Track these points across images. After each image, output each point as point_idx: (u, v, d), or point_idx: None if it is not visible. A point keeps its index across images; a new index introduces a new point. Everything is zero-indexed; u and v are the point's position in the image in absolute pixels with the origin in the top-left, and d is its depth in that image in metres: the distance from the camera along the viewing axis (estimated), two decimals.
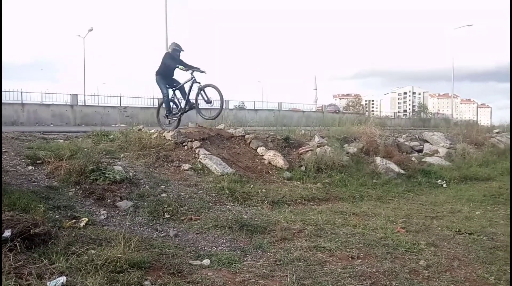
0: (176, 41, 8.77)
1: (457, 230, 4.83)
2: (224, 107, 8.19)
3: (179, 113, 8.78)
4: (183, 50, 8.65)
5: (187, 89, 8.58)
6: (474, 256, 3.93)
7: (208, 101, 8.28)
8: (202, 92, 8.23)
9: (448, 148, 11.91)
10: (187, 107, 8.63)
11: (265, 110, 29.78)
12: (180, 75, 8.93)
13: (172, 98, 8.84)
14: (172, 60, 8.48)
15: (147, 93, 57.96)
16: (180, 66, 8.35)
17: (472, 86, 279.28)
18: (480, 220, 5.50)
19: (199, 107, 8.63)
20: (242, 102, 30.98)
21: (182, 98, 8.76)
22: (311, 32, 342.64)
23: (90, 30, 40.65)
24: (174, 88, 8.75)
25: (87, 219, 4.27)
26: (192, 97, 8.56)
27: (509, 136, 16.23)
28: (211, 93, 8.31)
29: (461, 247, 4.20)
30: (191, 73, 8.28)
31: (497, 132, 17.04)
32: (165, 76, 8.61)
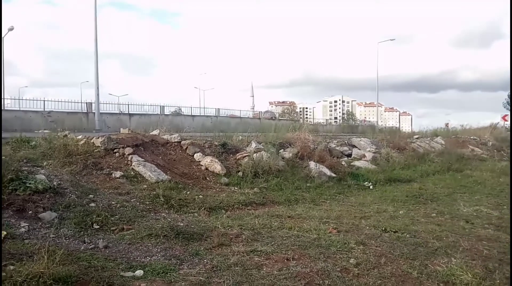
0: None
1: (383, 228, 5.14)
2: None
3: None
4: None
5: None
6: (399, 252, 4.21)
7: None
8: None
9: (374, 152, 12.69)
10: None
11: (202, 116, 29.54)
12: None
13: None
14: None
15: (74, 97, 54.54)
16: None
17: (395, 95, 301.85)
18: (403, 219, 5.91)
19: None
20: (178, 107, 30.40)
21: None
22: (249, 40, 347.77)
23: (11, 29, 37.32)
24: None
25: (5, 233, 3.89)
26: None
27: (428, 142, 17.73)
28: None
29: (387, 245, 4.47)
30: None
31: (417, 138, 18.55)
32: None
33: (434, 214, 6.28)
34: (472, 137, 20.59)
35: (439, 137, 19.86)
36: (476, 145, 18.88)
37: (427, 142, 17.74)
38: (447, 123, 28.77)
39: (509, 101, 41.92)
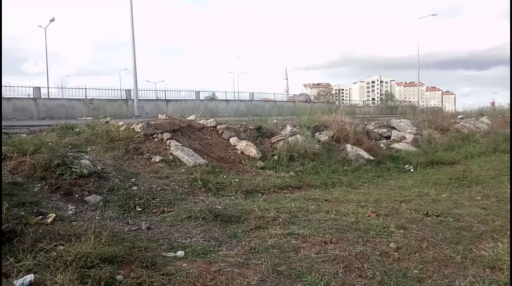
0: None
1: (425, 212, 4.99)
2: None
3: None
4: None
5: None
6: (442, 237, 4.08)
7: None
8: None
9: (414, 134, 12.27)
10: None
11: (236, 100, 29.67)
12: None
13: None
14: None
15: (114, 84, 56.41)
16: None
17: (440, 74, 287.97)
18: (446, 202, 5.70)
19: None
20: (213, 92, 30.70)
21: None
22: (285, 20, 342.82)
23: (52, 20, 38.86)
24: None
25: (54, 215, 4.11)
26: None
27: (472, 122, 16.91)
28: None
29: (429, 229, 4.34)
30: None
31: (461, 118, 17.73)
32: None
33: (479, 198, 6.02)
34: None
35: (484, 116, 18.88)
36: None
37: (472, 122, 16.93)
38: (493, 102, 27.29)
39: None
